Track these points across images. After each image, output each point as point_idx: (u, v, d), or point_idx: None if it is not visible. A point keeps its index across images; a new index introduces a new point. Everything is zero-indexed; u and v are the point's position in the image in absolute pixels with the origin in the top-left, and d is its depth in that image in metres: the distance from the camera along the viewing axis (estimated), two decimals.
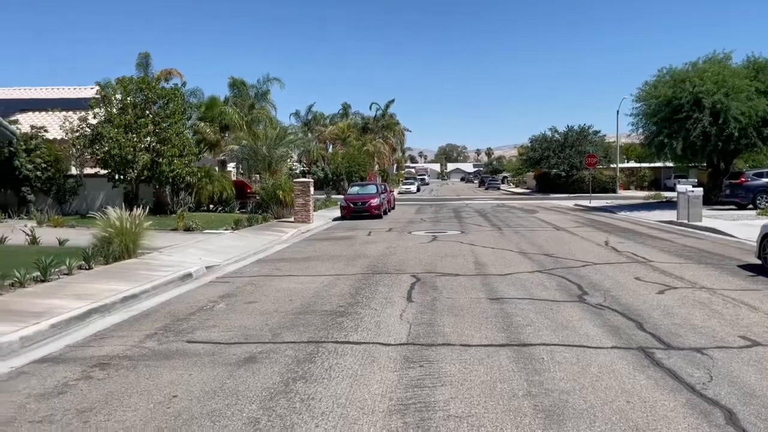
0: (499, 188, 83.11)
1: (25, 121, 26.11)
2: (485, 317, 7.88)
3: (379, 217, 27.74)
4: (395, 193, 48.54)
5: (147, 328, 7.73)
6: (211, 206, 27.66)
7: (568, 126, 61.78)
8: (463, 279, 10.93)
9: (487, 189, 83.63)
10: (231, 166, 40.75)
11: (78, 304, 8.72)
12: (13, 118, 24.76)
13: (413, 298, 9.23)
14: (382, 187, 32.78)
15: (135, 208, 14.18)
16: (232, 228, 20.13)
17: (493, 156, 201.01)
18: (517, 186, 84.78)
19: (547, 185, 60.67)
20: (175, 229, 19.03)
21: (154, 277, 11.21)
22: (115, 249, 12.86)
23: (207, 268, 12.87)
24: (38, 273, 10.51)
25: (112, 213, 13.41)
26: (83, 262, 11.86)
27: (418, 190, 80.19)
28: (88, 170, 25.00)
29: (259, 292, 10.05)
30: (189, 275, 11.86)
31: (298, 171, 50.04)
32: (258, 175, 32.85)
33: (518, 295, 9.31)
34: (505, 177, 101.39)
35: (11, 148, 22.65)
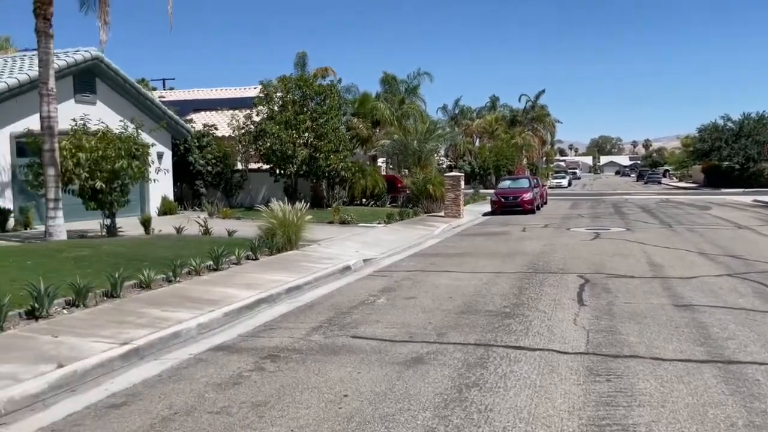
0: (659, 182, 77.15)
1: (198, 120, 28.30)
2: (674, 327, 6.98)
3: (531, 212, 26.64)
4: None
5: (312, 321, 7.75)
6: (364, 200, 28.19)
7: (743, 113, 55.72)
8: (639, 282, 9.92)
9: (646, 183, 77.97)
10: (380, 162, 41.40)
11: (247, 293, 9.01)
12: (188, 117, 26.92)
13: (585, 301, 8.48)
14: (535, 181, 31.52)
15: (296, 201, 14.64)
16: (385, 221, 20.26)
17: (651, 148, 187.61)
18: (680, 180, 78.15)
19: (717, 179, 55.15)
20: (331, 222, 19.51)
21: (315, 268, 11.41)
22: (279, 241, 13.31)
23: (364, 261, 12.92)
24: (211, 262, 11.09)
25: (276, 206, 13.92)
26: (250, 253, 12.38)
27: (570, 184, 76.72)
28: (252, 165, 26.55)
29: (418, 288, 9.81)
30: (348, 268, 11.95)
31: (444, 165, 49.79)
32: (407, 170, 33.07)
33: (709, 302, 8.21)
34: (666, 170, 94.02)
35: (186, 145, 24.57)
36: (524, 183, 29.49)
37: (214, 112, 31.27)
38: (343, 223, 19.52)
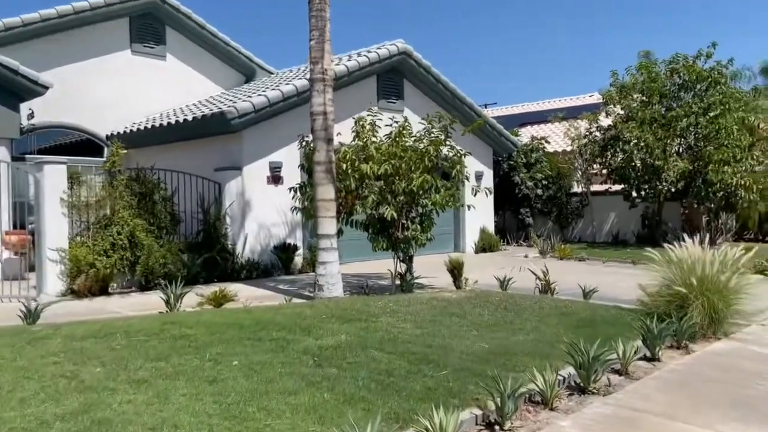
0: None
1: (525, 133, 23.09)
2: None
3: None
4: None
5: None
6: (760, 236, 19.36)
7: None
8: None
9: None
10: None
11: None
12: (513, 130, 21.81)
13: None
14: None
15: (665, 235, 8.00)
16: None
17: None
18: None
19: None
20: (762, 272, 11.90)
21: None
22: (695, 319, 6.82)
23: None
24: (572, 371, 5.31)
25: (687, 248, 7.43)
26: (640, 343, 6.24)
27: None
28: (595, 187, 20.12)
29: None
30: None
31: None
32: None
33: None
34: None
35: (511, 162, 19.40)
36: None
37: (543, 125, 25.72)
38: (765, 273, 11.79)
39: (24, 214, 12.68)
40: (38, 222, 10.05)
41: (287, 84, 13.03)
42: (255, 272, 12.10)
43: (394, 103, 15.15)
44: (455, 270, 10.07)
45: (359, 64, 13.97)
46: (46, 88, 11.96)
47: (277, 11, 61.31)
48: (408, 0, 56.95)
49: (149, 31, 15.59)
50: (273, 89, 12.84)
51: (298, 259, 13.00)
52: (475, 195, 10.38)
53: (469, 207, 9.97)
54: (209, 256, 11.36)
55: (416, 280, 9.77)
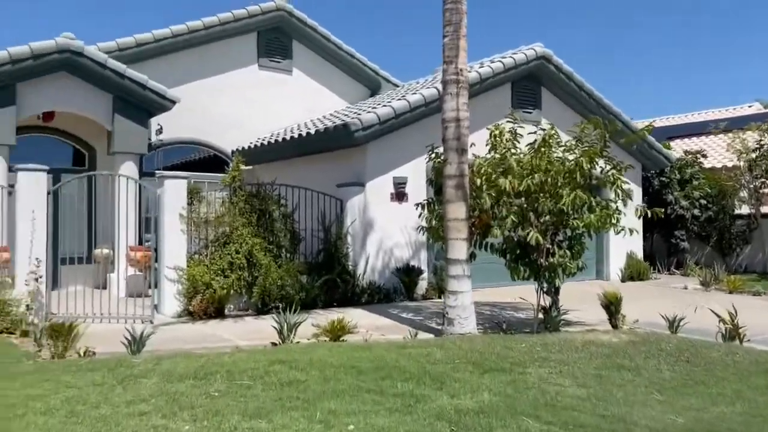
0: None
1: (676, 147, 20.56)
2: None
3: None
4: None
5: None
6: None
7: None
8: None
9: None
10: None
11: None
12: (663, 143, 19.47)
13: None
14: None
15: None
16: None
17: None
18: None
19: None
20: None
21: None
22: None
23: None
24: None
25: None
26: None
27: None
28: (766, 208, 17.30)
29: None
30: None
31: None
32: None
33: None
34: None
35: (663, 179, 17.15)
36: None
37: (696, 137, 22.88)
38: None
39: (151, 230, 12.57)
40: (157, 239, 9.70)
41: (414, 94, 12.04)
42: (376, 296, 11.14)
43: (530, 113, 13.67)
44: (611, 305, 8.43)
45: (492, 70, 12.71)
46: (174, 102, 11.82)
47: (403, 19, 60.65)
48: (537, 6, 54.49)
49: (276, 45, 15.31)
50: (399, 99, 11.90)
51: (423, 284, 11.88)
52: (639, 217, 8.73)
53: (631, 231, 8.34)
54: (329, 278, 10.54)
55: (563, 314, 8.27)
